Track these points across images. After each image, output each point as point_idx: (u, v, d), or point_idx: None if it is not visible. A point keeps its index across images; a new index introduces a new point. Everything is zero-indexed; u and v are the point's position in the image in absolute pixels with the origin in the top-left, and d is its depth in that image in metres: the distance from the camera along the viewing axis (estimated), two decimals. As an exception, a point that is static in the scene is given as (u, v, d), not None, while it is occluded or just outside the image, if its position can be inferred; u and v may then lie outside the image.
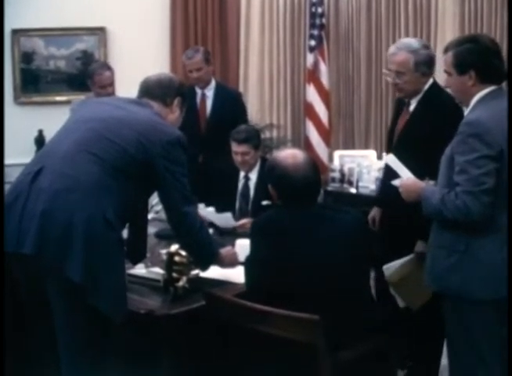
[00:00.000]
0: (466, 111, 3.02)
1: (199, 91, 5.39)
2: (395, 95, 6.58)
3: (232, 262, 3.32)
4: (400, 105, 4.02)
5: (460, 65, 2.94)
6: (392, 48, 3.83)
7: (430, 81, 3.81)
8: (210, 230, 4.12)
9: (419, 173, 3.23)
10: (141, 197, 3.02)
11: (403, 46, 3.78)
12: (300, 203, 2.97)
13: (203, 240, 3.10)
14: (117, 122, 2.91)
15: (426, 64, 3.75)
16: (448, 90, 3.21)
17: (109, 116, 2.95)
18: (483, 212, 2.77)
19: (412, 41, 3.86)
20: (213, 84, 5.43)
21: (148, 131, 2.88)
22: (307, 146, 6.85)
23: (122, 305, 2.79)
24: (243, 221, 4.25)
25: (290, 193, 2.98)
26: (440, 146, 3.47)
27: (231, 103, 5.38)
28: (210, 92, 5.40)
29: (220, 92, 5.43)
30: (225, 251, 3.29)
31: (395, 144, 3.88)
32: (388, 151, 3.93)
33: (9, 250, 2.71)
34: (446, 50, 3.02)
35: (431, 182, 3.10)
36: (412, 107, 3.85)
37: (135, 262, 3.36)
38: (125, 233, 3.29)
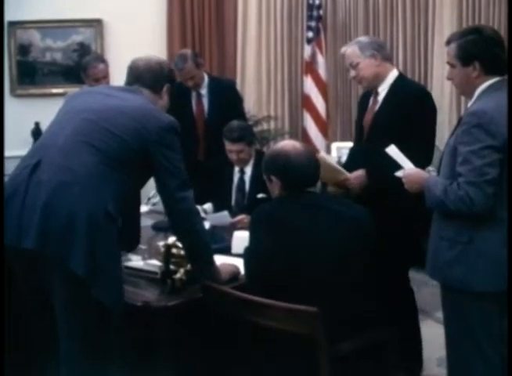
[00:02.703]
0: (469, 103, 3.00)
1: (193, 92, 5.31)
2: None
3: (231, 273, 3.19)
4: (366, 100, 4.11)
5: (465, 56, 2.92)
6: (342, 49, 4.10)
7: (395, 72, 3.96)
8: (207, 224, 4.13)
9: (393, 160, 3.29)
10: (139, 186, 3.01)
11: (350, 43, 4.05)
12: (304, 188, 3.00)
13: (199, 228, 3.05)
14: (111, 111, 2.89)
15: (371, 46, 3.91)
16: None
17: (103, 105, 2.93)
18: (486, 203, 2.75)
19: (360, 37, 4.27)
20: (206, 81, 5.32)
21: (142, 119, 2.86)
22: (304, 137, 6.85)
23: (121, 296, 2.79)
24: (240, 217, 4.24)
25: (296, 179, 2.99)
26: (411, 131, 3.67)
27: (227, 95, 5.31)
28: (204, 91, 5.30)
29: (214, 86, 5.33)
30: (221, 264, 3.17)
31: (367, 134, 3.97)
32: (357, 143, 4.15)
33: (10, 244, 2.69)
34: (449, 42, 3.01)
35: (433, 173, 3.08)
36: (381, 96, 3.94)
37: (129, 250, 3.35)
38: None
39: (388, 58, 3.99)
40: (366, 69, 3.88)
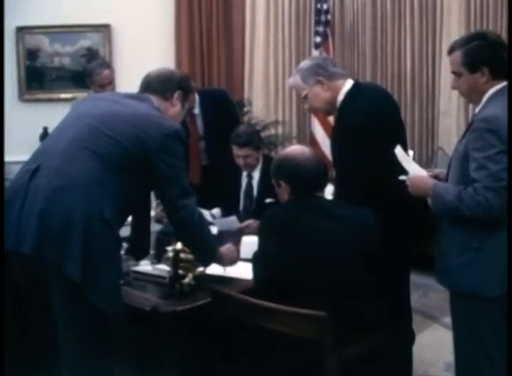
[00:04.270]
0: (476, 108, 2.98)
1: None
2: (400, 92, 6.67)
3: (232, 260, 3.28)
4: None
5: (472, 62, 2.89)
6: (289, 81, 3.87)
7: (346, 88, 3.58)
8: (215, 229, 4.13)
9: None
10: (141, 193, 2.99)
11: (294, 73, 3.77)
12: (313, 193, 3.00)
13: (201, 233, 3.06)
14: (114, 117, 2.88)
15: (312, 72, 3.59)
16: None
17: (106, 111, 2.92)
18: (503, 207, 2.75)
19: (301, 63, 3.78)
20: (197, 100, 5.03)
21: (145, 125, 2.85)
22: (312, 142, 6.84)
23: (118, 302, 2.77)
24: (248, 222, 4.24)
25: (304, 184, 2.99)
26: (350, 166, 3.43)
27: (219, 106, 5.11)
28: (197, 110, 5.05)
29: (206, 102, 5.08)
30: (224, 248, 3.25)
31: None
32: None
33: (9, 249, 2.70)
34: (452, 50, 2.97)
35: (437, 170, 3.05)
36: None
37: (138, 259, 3.35)
38: (127, 231, 3.28)
39: (335, 75, 3.60)
40: (315, 99, 3.61)
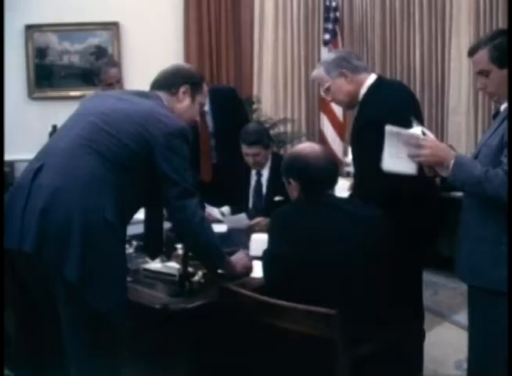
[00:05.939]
0: (503, 105, 2.88)
1: None
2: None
3: (246, 268, 3.19)
4: None
5: (502, 57, 2.81)
6: (312, 74, 3.84)
7: (369, 81, 3.60)
8: (224, 227, 4.13)
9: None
10: (146, 192, 2.92)
11: (317, 65, 3.77)
12: (323, 191, 2.99)
13: (200, 236, 2.95)
14: (118, 115, 2.85)
15: (336, 64, 3.60)
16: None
17: (111, 109, 2.89)
18: None
19: (325, 56, 3.80)
20: (207, 96, 4.97)
21: (149, 123, 2.80)
22: (321, 140, 6.84)
23: (119, 303, 2.73)
24: (257, 220, 4.25)
25: (314, 182, 2.99)
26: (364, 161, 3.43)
27: (229, 104, 5.10)
28: (206, 107, 4.92)
29: (214, 99, 5.00)
30: (236, 257, 3.18)
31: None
32: None
33: (14, 247, 2.69)
34: (475, 50, 2.89)
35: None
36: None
37: (152, 257, 3.33)
38: (137, 228, 3.27)
39: (359, 69, 3.61)
40: (338, 91, 3.61)
